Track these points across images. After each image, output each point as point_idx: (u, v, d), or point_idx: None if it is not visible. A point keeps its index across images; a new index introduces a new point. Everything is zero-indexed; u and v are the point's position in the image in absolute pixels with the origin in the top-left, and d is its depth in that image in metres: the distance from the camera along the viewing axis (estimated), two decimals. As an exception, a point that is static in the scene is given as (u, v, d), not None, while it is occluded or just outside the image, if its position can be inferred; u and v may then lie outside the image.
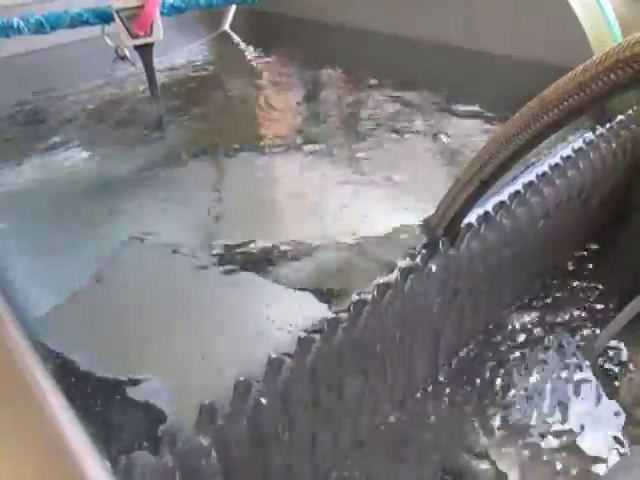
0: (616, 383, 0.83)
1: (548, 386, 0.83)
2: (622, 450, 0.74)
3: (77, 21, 1.07)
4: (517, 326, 0.92)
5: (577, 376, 0.84)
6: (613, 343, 0.88)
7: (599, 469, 0.72)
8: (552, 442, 0.75)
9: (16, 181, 1.00)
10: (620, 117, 1.02)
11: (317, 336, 0.61)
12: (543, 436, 0.76)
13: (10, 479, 0.33)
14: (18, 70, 1.48)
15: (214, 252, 0.76)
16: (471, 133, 1.05)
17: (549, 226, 0.92)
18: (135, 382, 0.56)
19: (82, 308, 0.68)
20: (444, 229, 0.73)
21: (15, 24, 1.00)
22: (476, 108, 1.13)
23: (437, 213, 0.73)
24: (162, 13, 1.11)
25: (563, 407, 0.80)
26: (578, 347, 0.88)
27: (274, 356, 0.58)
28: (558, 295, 0.97)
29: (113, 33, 1.11)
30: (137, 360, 0.60)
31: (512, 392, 0.82)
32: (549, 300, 0.96)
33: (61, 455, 0.38)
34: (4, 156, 1.10)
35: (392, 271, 0.69)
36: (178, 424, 0.52)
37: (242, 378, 0.56)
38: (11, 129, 1.25)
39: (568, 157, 0.92)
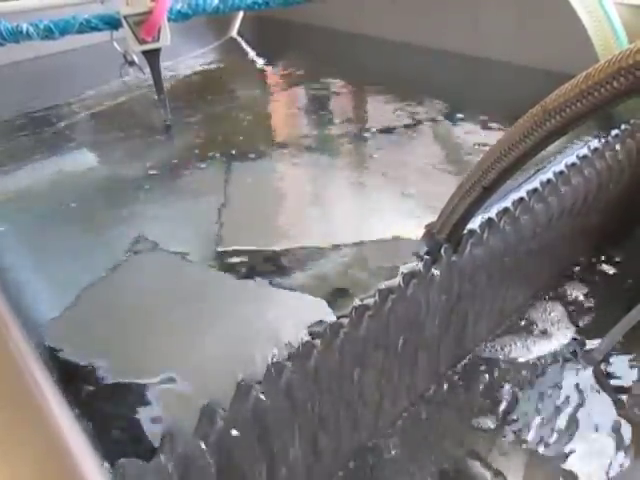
0: (618, 389, 0.83)
1: (550, 392, 0.82)
2: (624, 456, 0.73)
3: (86, 27, 1.07)
4: (520, 332, 0.92)
5: (579, 382, 0.84)
6: (615, 349, 0.88)
7: (602, 475, 0.71)
8: (554, 447, 0.75)
9: (23, 184, 1.01)
10: (626, 125, 1.02)
11: (319, 340, 0.62)
12: (545, 441, 0.76)
13: (9, 480, 0.34)
14: (27, 75, 1.50)
15: (219, 256, 0.76)
16: (474, 139, 1.05)
17: (552, 233, 0.92)
18: (136, 385, 0.56)
19: (85, 311, 0.68)
20: (447, 235, 0.73)
21: (24, 30, 1.01)
22: (480, 114, 1.13)
23: (440, 219, 0.73)
24: (170, 19, 1.11)
25: (565, 413, 0.79)
26: (580, 353, 0.88)
27: (276, 360, 0.58)
28: (561, 302, 0.97)
29: (121, 39, 1.13)
30: (139, 363, 0.60)
31: (514, 398, 0.82)
32: (551, 307, 0.96)
33: (60, 458, 0.38)
34: (12, 159, 1.11)
35: (394, 276, 0.69)
36: (178, 427, 0.52)
37: (243, 381, 0.56)
38: (19, 133, 1.26)
39: (573, 164, 0.92)
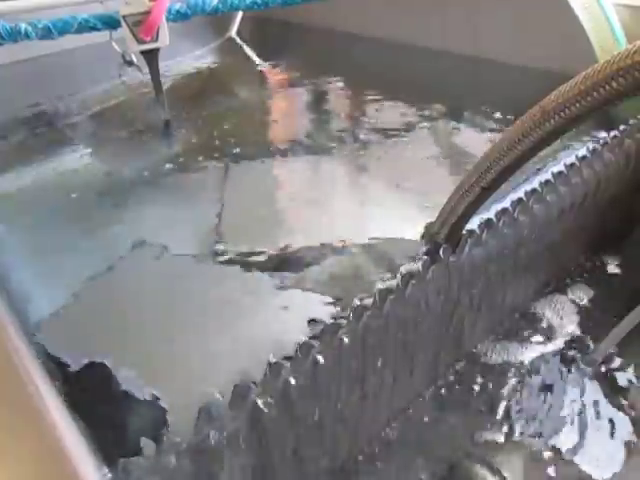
0: (618, 391, 0.83)
1: (550, 393, 0.82)
2: (625, 456, 0.73)
3: (84, 27, 1.07)
4: (519, 333, 0.92)
5: (579, 383, 0.84)
6: (615, 350, 0.88)
7: (603, 475, 0.71)
8: (554, 448, 0.75)
9: (22, 183, 1.01)
10: (624, 125, 1.02)
11: (317, 341, 0.61)
12: (545, 442, 0.76)
13: (7, 481, 0.34)
14: (25, 75, 1.50)
15: (218, 256, 0.76)
16: (473, 139, 1.05)
17: (551, 234, 0.92)
18: (135, 385, 0.56)
19: (83, 311, 0.68)
20: (445, 236, 0.73)
21: (23, 29, 1.01)
22: (479, 114, 1.13)
23: (439, 219, 0.73)
24: (168, 19, 1.11)
25: (565, 414, 0.79)
26: (581, 354, 0.88)
27: (274, 360, 0.58)
28: (560, 303, 0.97)
29: (120, 39, 1.12)
30: (137, 363, 0.60)
31: (513, 399, 0.82)
32: (551, 308, 0.96)
33: (59, 458, 0.38)
34: (11, 159, 1.11)
35: (393, 277, 0.69)
36: (177, 427, 0.52)
37: (241, 381, 0.56)
38: (19, 133, 1.26)
39: (572, 165, 0.92)
